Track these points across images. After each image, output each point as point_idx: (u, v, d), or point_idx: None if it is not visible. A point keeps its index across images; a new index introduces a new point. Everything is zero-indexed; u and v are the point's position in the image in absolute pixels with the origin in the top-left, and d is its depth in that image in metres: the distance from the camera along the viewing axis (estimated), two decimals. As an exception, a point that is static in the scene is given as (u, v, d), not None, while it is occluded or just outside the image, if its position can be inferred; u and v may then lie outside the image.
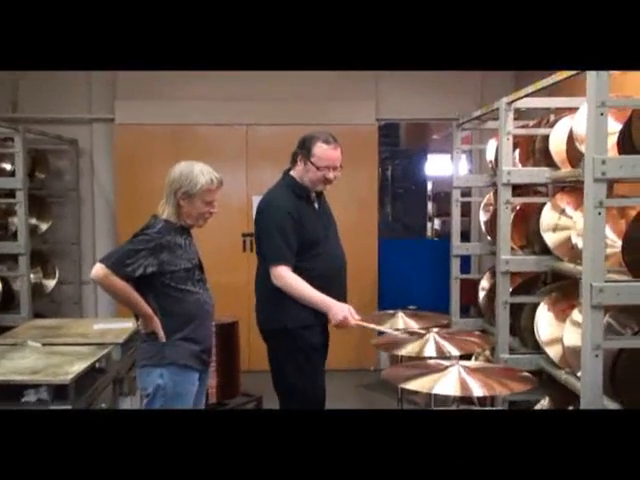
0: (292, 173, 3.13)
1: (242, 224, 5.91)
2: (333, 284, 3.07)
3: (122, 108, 5.86)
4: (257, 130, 5.97)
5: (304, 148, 3.05)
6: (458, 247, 4.99)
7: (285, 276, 2.97)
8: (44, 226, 5.73)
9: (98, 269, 2.66)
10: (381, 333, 3.28)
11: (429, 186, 7.88)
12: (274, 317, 3.05)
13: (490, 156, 4.62)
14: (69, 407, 2.73)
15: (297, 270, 2.99)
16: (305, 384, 3.04)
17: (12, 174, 4.91)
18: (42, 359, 3.01)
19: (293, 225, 2.99)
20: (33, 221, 5.48)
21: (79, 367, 2.88)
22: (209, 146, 5.87)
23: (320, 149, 3.01)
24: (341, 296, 3.08)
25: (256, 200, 5.82)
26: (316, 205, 3.16)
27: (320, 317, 3.02)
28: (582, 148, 2.95)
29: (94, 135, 6.11)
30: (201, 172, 2.76)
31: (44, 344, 3.26)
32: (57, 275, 5.73)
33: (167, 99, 5.80)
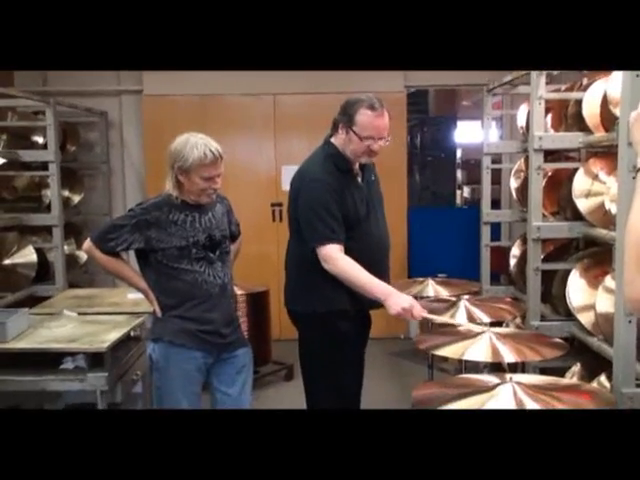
0: (333, 141, 2.73)
1: (271, 194, 5.94)
2: (374, 269, 2.61)
3: (150, 79, 5.87)
4: (284, 99, 5.94)
5: (345, 115, 2.64)
6: (488, 214, 4.94)
7: (335, 257, 2.57)
8: (76, 198, 5.80)
9: (86, 242, 2.73)
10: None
11: (458, 153, 7.81)
12: (302, 298, 2.75)
13: (521, 122, 4.55)
14: (105, 374, 2.80)
15: None
16: (331, 379, 2.70)
17: (44, 147, 4.97)
18: (79, 328, 3.07)
19: (337, 200, 2.62)
20: (66, 193, 5.55)
21: (115, 335, 2.94)
22: (237, 116, 5.89)
23: (364, 116, 2.60)
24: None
25: (285, 170, 5.95)
26: (359, 179, 2.76)
27: (358, 302, 2.66)
28: (616, 111, 2.89)
29: (123, 107, 6.15)
30: (195, 146, 2.55)
31: (80, 313, 3.33)
32: (90, 246, 5.82)
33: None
